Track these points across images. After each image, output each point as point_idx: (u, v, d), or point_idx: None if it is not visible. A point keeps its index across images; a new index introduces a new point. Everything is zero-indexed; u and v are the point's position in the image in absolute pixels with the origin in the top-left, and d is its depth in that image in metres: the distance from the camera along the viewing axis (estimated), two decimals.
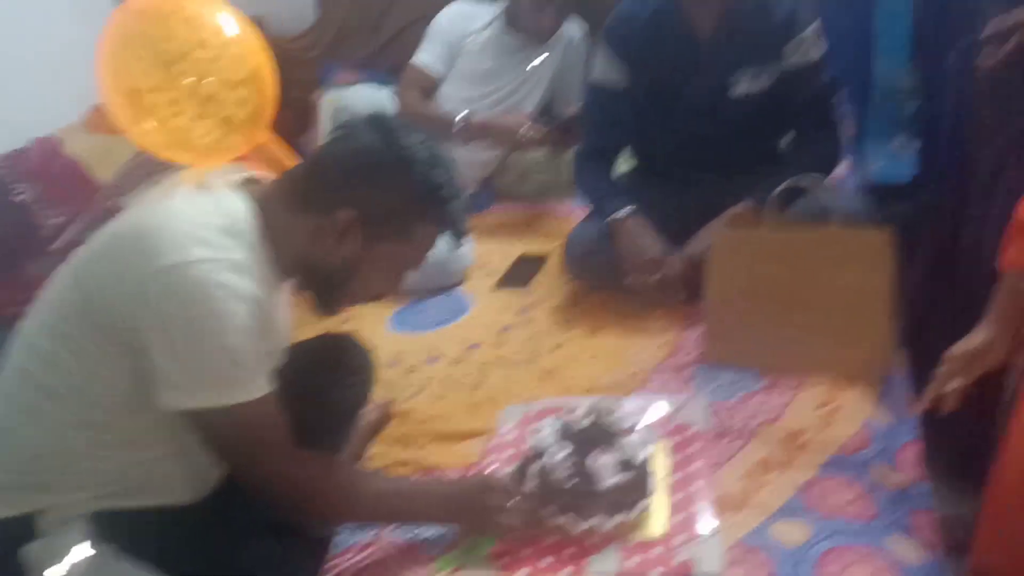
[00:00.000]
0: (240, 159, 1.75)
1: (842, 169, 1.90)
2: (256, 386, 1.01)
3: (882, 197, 1.75)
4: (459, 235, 1.13)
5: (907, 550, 1.07)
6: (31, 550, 1.00)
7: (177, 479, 1.08)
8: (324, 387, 1.34)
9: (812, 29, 1.63)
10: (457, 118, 2.12)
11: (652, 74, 1.70)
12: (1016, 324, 1.06)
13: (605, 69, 1.74)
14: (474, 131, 2.13)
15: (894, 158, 1.87)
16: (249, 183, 1.09)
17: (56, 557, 1.00)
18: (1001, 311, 1.06)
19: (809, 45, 1.63)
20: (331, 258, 1.06)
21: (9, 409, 1.04)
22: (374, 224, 1.05)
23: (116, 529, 1.03)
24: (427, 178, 1.05)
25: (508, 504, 1.13)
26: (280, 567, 1.16)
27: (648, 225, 1.69)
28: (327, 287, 1.11)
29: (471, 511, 1.13)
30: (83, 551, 1.00)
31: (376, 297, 1.18)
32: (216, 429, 1.02)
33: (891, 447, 1.25)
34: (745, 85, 1.66)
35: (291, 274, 1.11)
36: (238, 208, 1.03)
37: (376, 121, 1.07)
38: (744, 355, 1.46)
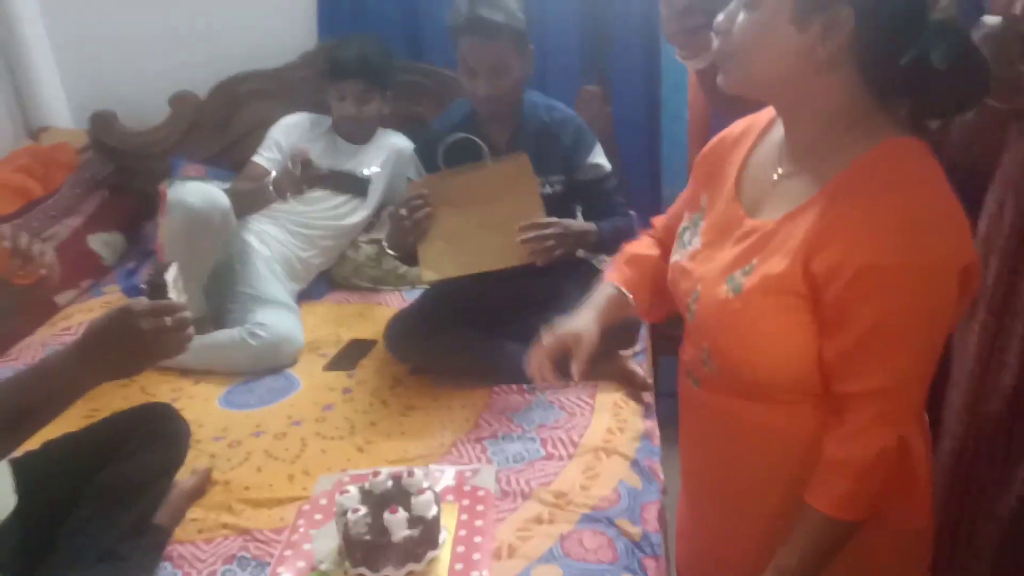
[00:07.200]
0: None
1: None
2: None
3: None
4: None
5: None
6: None
7: None
8: (135, 450, 1.46)
9: (597, 150, 1.99)
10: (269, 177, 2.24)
11: None
12: None
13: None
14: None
15: None
16: None
17: None
18: None
19: (597, 163, 1.99)
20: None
21: None
22: None
23: None
24: None
25: (168, 321, 1.02)
26: None
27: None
28: None
29: (122, 345, 1.01)
30: None
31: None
32: None
33: (636, 505, 1.55)
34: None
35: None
36: None
37: None
38: (452, 266, 1.88)
